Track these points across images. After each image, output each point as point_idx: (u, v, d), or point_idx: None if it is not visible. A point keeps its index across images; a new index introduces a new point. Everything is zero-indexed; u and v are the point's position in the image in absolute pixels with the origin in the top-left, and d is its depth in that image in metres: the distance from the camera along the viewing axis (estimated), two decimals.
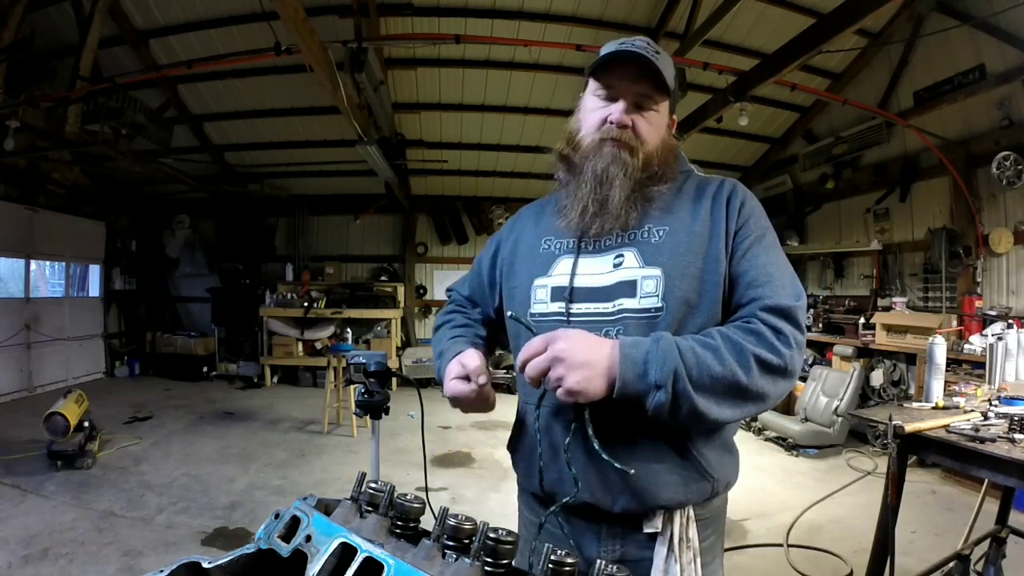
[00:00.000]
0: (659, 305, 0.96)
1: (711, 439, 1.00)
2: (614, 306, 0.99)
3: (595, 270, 1.03)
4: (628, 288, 0.99)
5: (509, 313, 1.06)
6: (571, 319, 1.01)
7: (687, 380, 0.85)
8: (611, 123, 1.04)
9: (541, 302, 1.06)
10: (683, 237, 1.00)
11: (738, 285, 0.98)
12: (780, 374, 0.91)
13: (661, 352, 0.87)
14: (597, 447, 0.90)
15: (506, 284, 1.17)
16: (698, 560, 0.98)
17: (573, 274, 1.03)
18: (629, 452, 0.94)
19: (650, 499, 0.95)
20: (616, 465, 0.90)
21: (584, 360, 0.87)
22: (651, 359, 0.87)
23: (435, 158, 7.55)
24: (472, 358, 1.04)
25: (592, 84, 1.08)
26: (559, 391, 0.88)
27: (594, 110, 1.07)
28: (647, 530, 0.98)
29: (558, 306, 1.03)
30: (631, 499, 0.96)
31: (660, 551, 0.97)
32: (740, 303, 0.98)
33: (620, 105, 1.04)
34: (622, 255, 1.02)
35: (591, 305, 1.01)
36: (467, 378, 1.02)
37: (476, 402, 1.04)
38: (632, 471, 0.91)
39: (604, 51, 1.07)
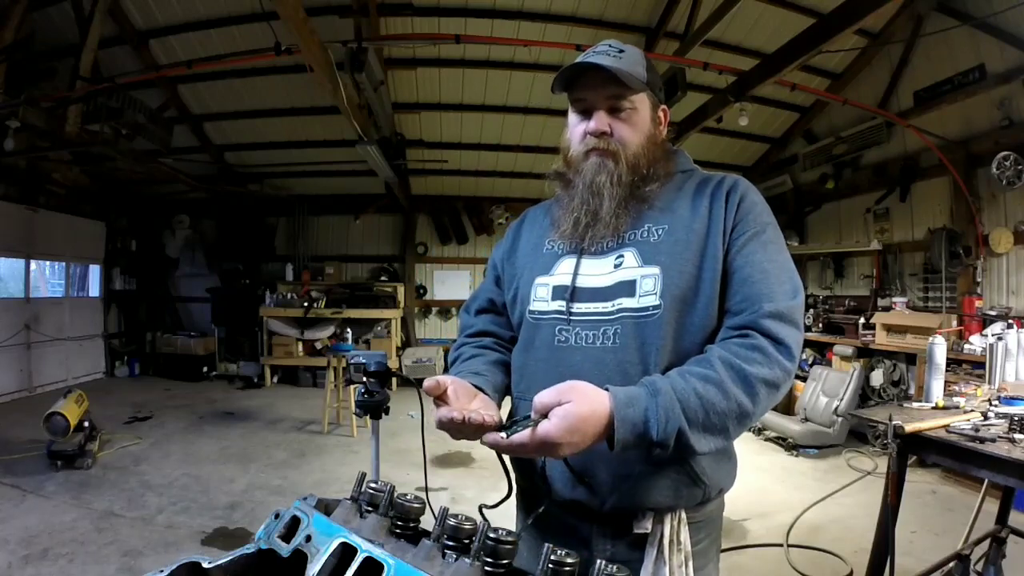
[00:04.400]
0: (657, 303, 0.96)
1: None
2: (613, 305, 0.99)
3: (597, 271, 1.03)
4: (627, 288, 0.99)
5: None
6: (572, 318, 1.02)
7: (689, 434, 0.83)
8: (589, 133, 1.06)
9: (541, 300, 1.07)
10: (682, 235, 1.00)
11: (732, 282, 0.97)
12: (783, 383, 0.91)
13: (662, 411, 0.82)
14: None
15: (508, 282, 1.18)
16: (690, 563, 0.97)
17: (576, 274, 1.04)
18: (623, 454, 0.92)
19: (639, 500, 0.95)
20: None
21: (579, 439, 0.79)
22: (651, 418, 0.82)
23: (435, 158, 7.55)
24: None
25: (570, 100, 1.11)
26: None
27: (575, 125, 1.10)
28: (637, 531, 0.98)
29: (558, 304, 1.04)
30: (620, 499, 0.96)
31: (650, 553, 0.97)
32: (736, 302, 0.96)
33: (595, 114, 1.06)
34: (622, 255, 1.02)
35: (591, 305, 1.01)
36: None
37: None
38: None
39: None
